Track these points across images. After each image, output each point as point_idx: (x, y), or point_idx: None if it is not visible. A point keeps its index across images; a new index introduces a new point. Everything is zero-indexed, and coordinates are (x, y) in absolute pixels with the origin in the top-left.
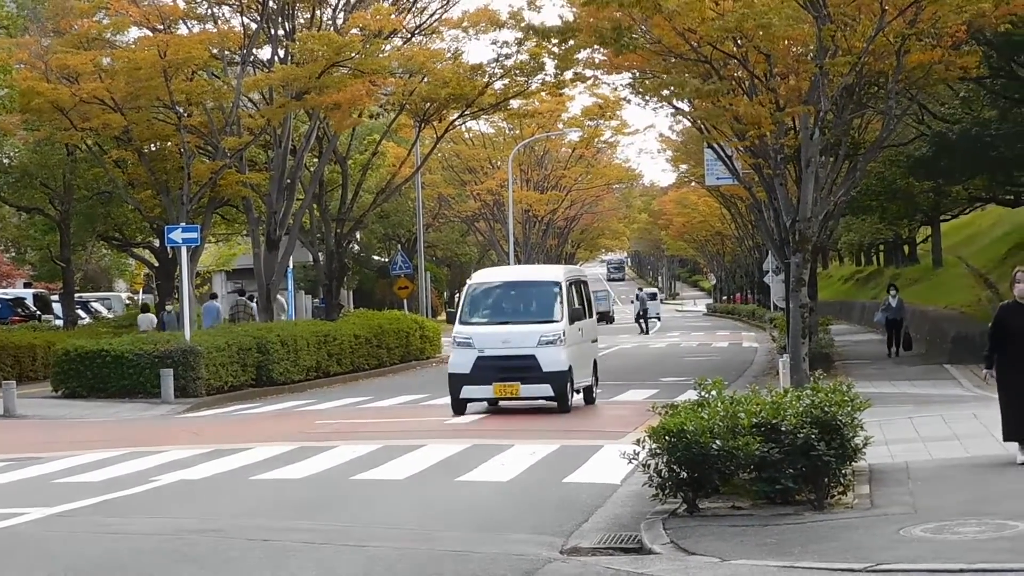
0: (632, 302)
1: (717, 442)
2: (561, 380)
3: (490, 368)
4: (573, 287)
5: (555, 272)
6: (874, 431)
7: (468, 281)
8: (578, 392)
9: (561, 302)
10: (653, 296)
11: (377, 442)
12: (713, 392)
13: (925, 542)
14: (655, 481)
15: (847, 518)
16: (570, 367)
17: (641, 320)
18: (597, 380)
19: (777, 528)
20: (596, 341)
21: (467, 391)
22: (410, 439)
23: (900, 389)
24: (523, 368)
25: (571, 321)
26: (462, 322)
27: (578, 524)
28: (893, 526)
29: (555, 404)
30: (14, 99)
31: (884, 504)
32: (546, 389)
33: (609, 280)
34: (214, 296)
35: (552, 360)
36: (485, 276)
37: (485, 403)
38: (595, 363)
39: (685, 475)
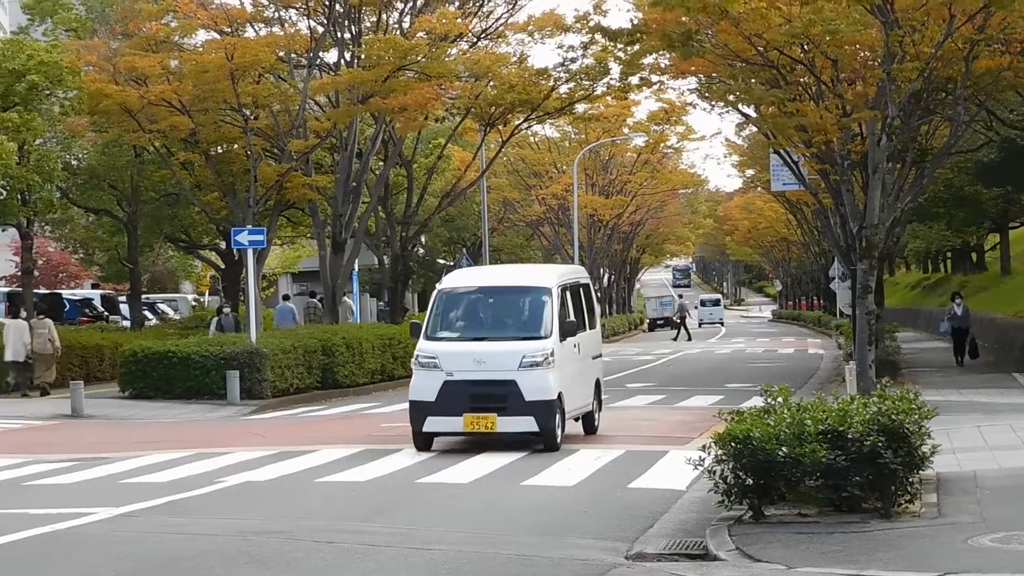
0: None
1: (783, 449)
2: (547, 411)
3: (460, 395)
4: (568, 293)
5: (545, 275)
6: (941, 439)
7: (437, 285)
8: (576, 420)
9: (551, 313)
10: (716, 302)
11: (442, 445)
12: (779, 399)
13: (993, 552)
14: (721, 487)
15: (914, 527)
16: (560, 395)
17: (681, 327)
18: (600, 404)
19: (843, 536)
20: (599, 357)
21: (432, 423)
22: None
23: (967, 397)
24: (500, 396)
25: (563, 336)
26: (428, 337)
27: (643, 530)
28: (961, 535)
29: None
30: (83, 101)
31: (952, 513)
32: (528, 422)
33: (675, 286)
34: (287, 297)
35: (536, 386)
36: (458, 279)
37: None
38: (598, 384)
39: (751, 482)
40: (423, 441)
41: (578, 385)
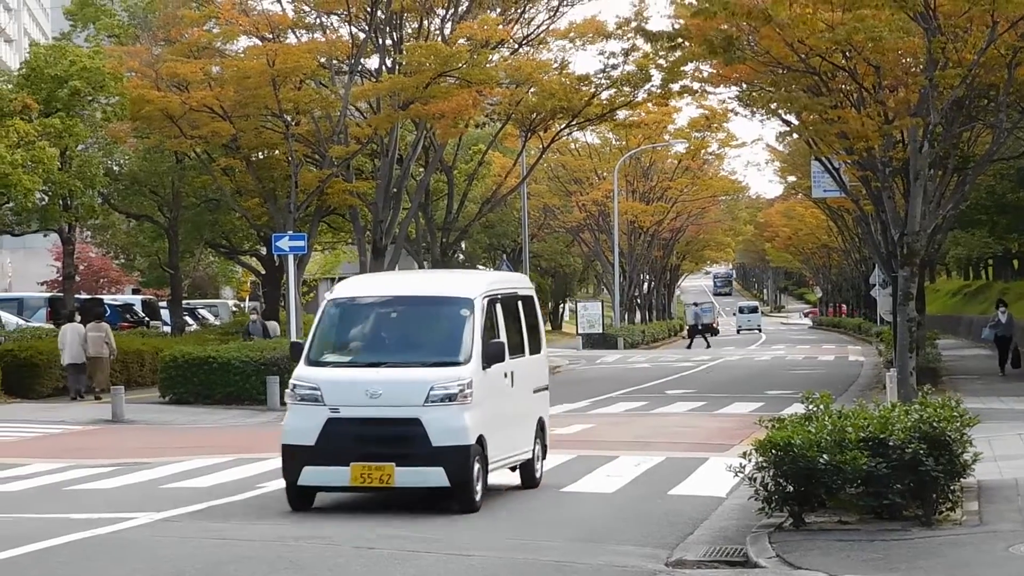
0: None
1: (824, 456)
2: (461, 461)
3: (347, 438)
4: (500, 307)
5: (467, 283)
6: (983, 447)
7: (326, 294)
8: (512, 470)
9: (472, 332)
10: (754, 309)
11: None
12: (820, 406)
13: None
14: (761, 494)
15: (955, 534)
16: (480, 439)
17: (697, 334)
18: (545, 449)
19: (884, 544)
20: (545, 390)
21: (310, 475)
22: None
23: (1008, 405)
24: (400, 439)
25: (489, 362)
26: (310, 361)
27: (683, 536)
28: (1002, 543)
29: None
30: (125, 107)
31: (993, 521)
32: (436, 475)
33: (716, 294)
34: None
35: (448, 427)
36: (353, 288)
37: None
38: (541, 424)
39: (792, 489)
40: (298, 497)
41: (510, 425)
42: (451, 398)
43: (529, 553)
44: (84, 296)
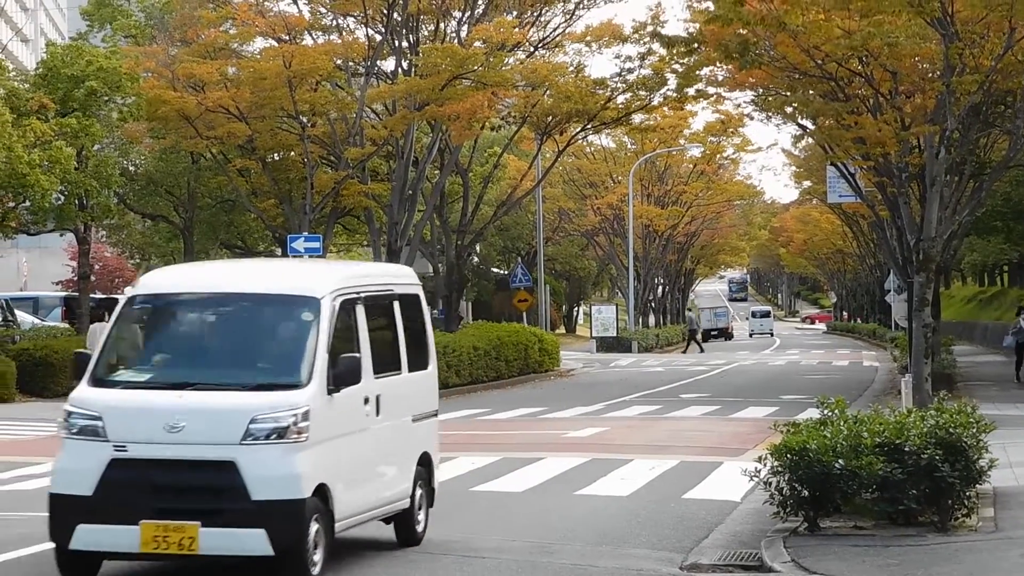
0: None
1: (840, 461)
2: (290, 520)
3: (136, 487)
4: (360, 309)
5: (310, 278)
6: (998, 453)
7: (127, 290)
8: (387, 523)
9: (316, 342)
10: (766, 314)
11: (496, 454)
12: (835, 411)
13: None
14: (776, 499)
15: (971, 540)
16: (323, 489)
17: (693, 340)
18: (432, 496)
19: (899, 549)
20: (431, 417)
21: (86, 536)
22: (529, 452)
23: None
24: (207, 490)
25: (339, 383)
26: (94, 380)
27: (698, 540)
28: (1018, 549)
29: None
30: (141, 107)
31: (1009, 527)
32: (256, 540)
33: (731, 299)
34: None
35: (273, 474)
36: (160, 281)
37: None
38: (425, 462)
39: (807, 493)
40: (72, 567)
41: (373, 468)
42: (280, 433)
43: (544, 556)
44: (99, 296)
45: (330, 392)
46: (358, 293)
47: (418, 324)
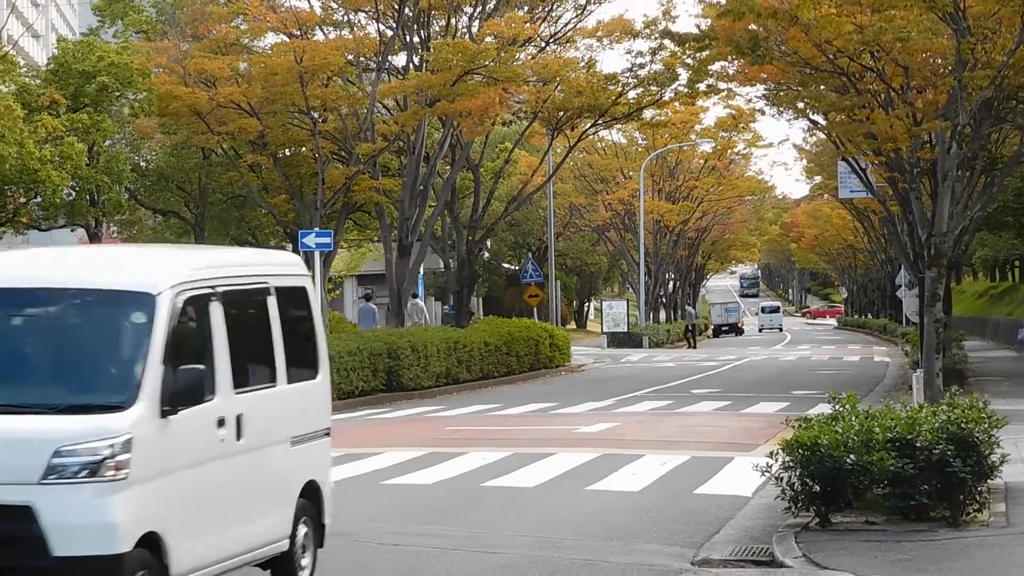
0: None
1: (851, 456)
2: None
3: None
4: (216, 308)
5: (145, 269)
6: (1010, 449)
7: None
8: (264, 568)
9: (145, 352)
10: (776, 309)
11: (507, 449)
12: (847, 406)
13: None
14: (787, 494)
15: (982, 536)
16: (153, 539)
17: (689, 335)
18: (323, 531)
19: (911, 544)
20: (326, 435)
21: None
22: (540, 447)
23: None
24: None
25: (177, 403)
26: None
27: (709, 536)
28: None
29: None
30: (152, 103)
31: (1020, 522)
32: None
33: (743, 295)
34: (369, 298)
35: (79, 523)
36: None
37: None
38: (311, 493)
39: (818, 489)
40: None
41: (232, 506)
42: (92, 469)
43: (555, 551)
44: None
45: (165, 414)
46: (213, 287)
47: (304, 324)
